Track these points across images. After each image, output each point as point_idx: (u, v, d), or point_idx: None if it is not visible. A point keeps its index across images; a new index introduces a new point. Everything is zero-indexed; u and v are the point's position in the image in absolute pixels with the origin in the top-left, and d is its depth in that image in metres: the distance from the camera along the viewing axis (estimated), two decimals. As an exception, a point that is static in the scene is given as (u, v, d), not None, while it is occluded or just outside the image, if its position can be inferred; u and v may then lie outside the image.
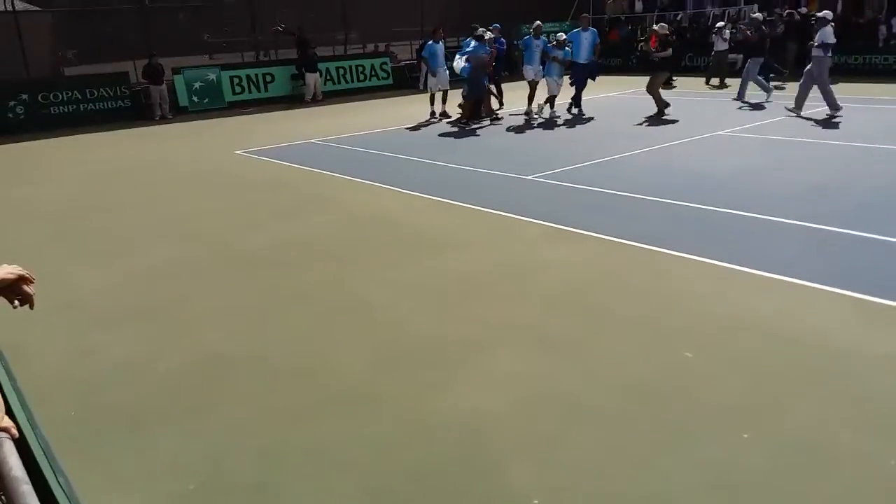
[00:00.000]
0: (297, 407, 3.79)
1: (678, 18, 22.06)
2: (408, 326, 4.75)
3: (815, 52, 12.01)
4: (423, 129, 13.63)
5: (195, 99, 18.01)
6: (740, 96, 14.62)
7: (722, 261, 5.55)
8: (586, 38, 13.77)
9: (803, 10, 19.20)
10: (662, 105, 13.36)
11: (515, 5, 23.83)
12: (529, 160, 9.86)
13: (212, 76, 18.35)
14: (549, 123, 13.33)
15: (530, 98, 14.13)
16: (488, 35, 14.08)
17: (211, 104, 18.17)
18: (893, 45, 17.75)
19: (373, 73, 21.56)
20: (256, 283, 5.72)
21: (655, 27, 13.64)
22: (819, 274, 5.15)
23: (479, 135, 12.65)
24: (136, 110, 17.21)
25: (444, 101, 14.68)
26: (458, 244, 6.42)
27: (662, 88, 13.44)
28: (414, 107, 17.13)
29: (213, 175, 10.24)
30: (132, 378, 4.20)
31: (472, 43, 13.56)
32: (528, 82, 13.96)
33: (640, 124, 12.68)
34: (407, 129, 13.72)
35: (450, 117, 14.41)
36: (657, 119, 13.02)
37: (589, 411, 3.60)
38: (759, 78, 14.58)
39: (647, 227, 6.54)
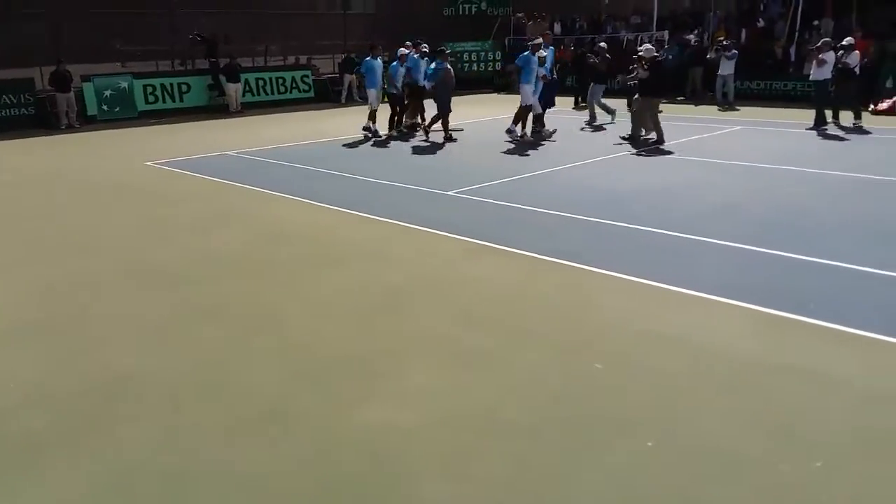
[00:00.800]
0: (207, 427, 3.64)
1: (596, 41, 22.74)
2: (323, 342, 4.66)
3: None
4: (345, 143, 13.52)
5: (105, 108, 17.31)
6: (591, 119, 15.17)
7: (633, 275, 5.71)
8: (548, 56, 13.94)
9: (691, 36, 20.31)
10: (660, 133, 12.29)
11: (438, 24, 24.09)
12: (449, 176, 9.92)
13: (123, 84, 17.70)
14: (468, 141, 13.46)
15: (522, 119, 13.18)
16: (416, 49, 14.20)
17: (122, 113, 17.51)
18: (793, 72, 18.85)
19: (294, 85, 21.31)
20: (165, 298, 5.50)
21: (641, 51, 12.63)
22: (722, 288, 5.37)
23: (400, 150, 12.67)
24: (41, 118, 16.41)
25: (372, 118, 14.49)
26: (377, 259, 6.37)
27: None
28: (336, 120, 17.01)
29: (120, 186, 9.83)
30: (25, 402, 3.94)
31: (433, 62, 13.55)
32: (525, 106, 12.92)
33: (555, 142, 12.95)
34: (328, 142, 13.59)
35: (373, 133, 14.30)
36: (637, 142, 12.49)
37: (503, 424, 3.62)
38: (603, 101, 15.06)
39: (563, 243, 6.67)
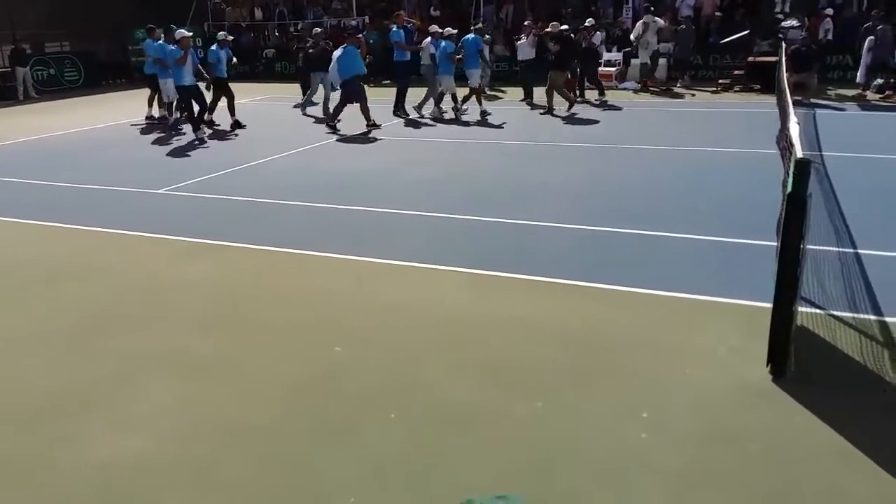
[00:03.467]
0: None
1: (300, 28, 22.61)
2: (28, 378, 4.04)
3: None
4: (26, 144, 11.85)
5: None
6: (302, 106, 14.77)
7: (359, 255, 5.83)
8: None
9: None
10: (572, 99, 13.43)
11: (127, 8, 22.06)
12: (159, 172, 9.21)
13: None
14: (177, 134, 12.60)
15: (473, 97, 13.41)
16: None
17: None
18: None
19: (-50, 82, 18.15)
20: None
21: (549, 27, 13.62)
22: (439, 256, 5.72)
23: (101, 149, 11.41)
24: None
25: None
26: (80, 273, 5.69)
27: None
28: (11, 120, 14.83)
29: None
30: None
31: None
32: (475, 87, 13.33)
33: (272, 130, 12.68)
34: (3, 146, 11.80)
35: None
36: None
37: (244, 428, 3.47)
38: (309, 91, 14.67)
39: (288, 231, 6.58)
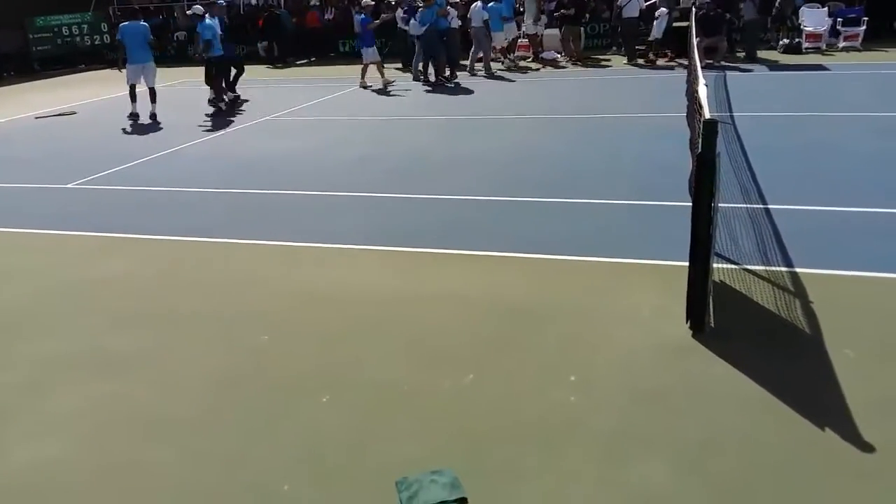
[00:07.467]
0: None
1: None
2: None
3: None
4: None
5: None
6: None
7: (283, 240, 5.71)
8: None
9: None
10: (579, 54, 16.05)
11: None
12: (67, 166, 8.75)
13: None
14: (88, 124, 12.03)
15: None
16: None
17: None
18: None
19: None
20: None
21: None
22: (362, 236, 5.66)
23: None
24: None
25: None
26: (-14, 276, 5.40)
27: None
28: None
29: None
30: None
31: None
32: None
33: (191, 115, 12.23)
34: None
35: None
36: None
37: (168, 424, 3.37)
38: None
39: (209, 220, 6.38)
